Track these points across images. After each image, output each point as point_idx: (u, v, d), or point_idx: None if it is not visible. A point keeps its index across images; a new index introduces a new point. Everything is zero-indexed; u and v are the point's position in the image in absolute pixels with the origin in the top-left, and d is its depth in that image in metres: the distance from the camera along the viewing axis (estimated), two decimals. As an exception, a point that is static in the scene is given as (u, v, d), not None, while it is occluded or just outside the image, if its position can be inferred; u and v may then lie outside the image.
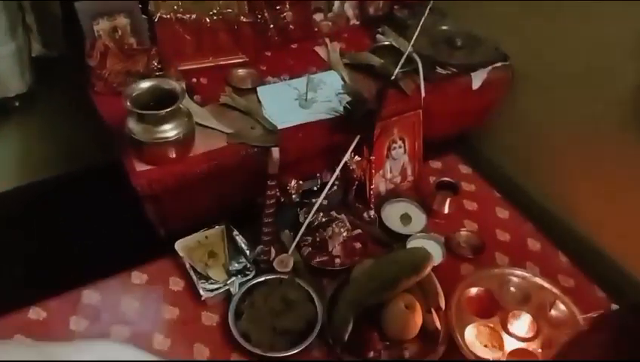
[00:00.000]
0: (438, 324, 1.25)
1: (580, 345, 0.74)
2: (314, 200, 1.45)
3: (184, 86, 1.42)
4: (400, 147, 1.62)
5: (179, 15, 1.59)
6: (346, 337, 1.20)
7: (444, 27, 1.83)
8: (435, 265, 1.31)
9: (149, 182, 1.30)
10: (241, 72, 1.65)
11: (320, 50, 1.79)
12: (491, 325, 1.29)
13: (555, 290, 1.34)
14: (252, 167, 1.39)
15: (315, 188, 1.48)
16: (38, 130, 1.95)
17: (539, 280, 1.37)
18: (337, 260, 1.40)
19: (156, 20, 1.57)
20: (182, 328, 1.26)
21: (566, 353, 0.78)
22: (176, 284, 1.34)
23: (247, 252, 1.38)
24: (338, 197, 1.53)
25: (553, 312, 1.32)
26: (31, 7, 1.65)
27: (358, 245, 1.44)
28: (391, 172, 1.63)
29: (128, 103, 1.27)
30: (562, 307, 1.32)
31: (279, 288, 1.30)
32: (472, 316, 1.30)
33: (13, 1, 1.55)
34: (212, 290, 1.29)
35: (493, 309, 1.32)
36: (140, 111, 1.27)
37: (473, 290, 1.35)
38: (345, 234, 1.44)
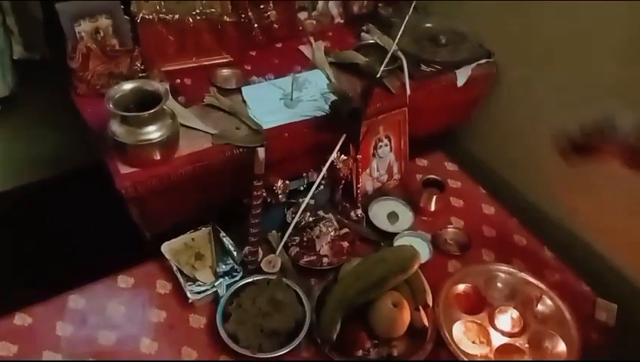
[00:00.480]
0: (425, 321, 1.26)
1: None
2: (301, 199, 1.44)
3: (168, 87, 1.42)
4: (386, 145, 1.62)
5: (161, 15, 1.57)
6: (335, 336, 1.20)
7: (429, 25, 1.84)
8: (422, 262, 1.32)
9: (133, 185, 1.29)
10: (225, 72, 1.64)
11: (305, 49, 1.79)
12: (479, 321, 1.30)
13: (541, 285, 1.36)
14: (238, 168, 1.38)
15: (302, 188, 1.47)
16: (22, 133, 1.93)
17: (525, 276, 1.38)
18: (325, 259, 1.40)
19: (139, 21, 1.56)
20: (169, 331, 1.25)
21: None
22: (163, 287, 1.33)
23: (235, 253, 1.37)
24: (325, 197, 1.53)
25: (539, 307, 1.33)
26: (11, 9, 1.63)
27: (345, 244, 1.44)
28: (378, 170, 1.63)
29: (111, 105, 1.25)
30: (548, 302, 1.33)
31: (267, 289, 1.30)
32: (460, 312, 1.31)
33: (-8, 3, 1.53)
34: (199, 293, 1.29)
35: (480, 305, 1.33)
36: (122, 113, 1.26)
37: (460, 287, 1.36)
38: (332, 233, 1.44)
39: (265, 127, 1.45)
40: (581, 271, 1.45)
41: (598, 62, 1.47)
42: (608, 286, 1.47)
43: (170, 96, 1.37)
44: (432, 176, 1.60)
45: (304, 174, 1.48)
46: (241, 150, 1.40)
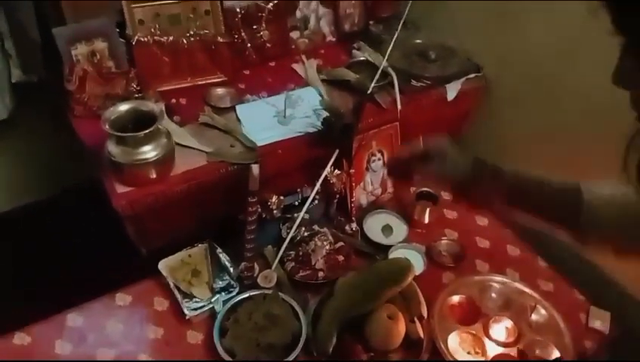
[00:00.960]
0: (421, 333, 1.26)
1: None
2: (295, 214, 1.46)
3: (163, 107, 1.44)
4: (379, 159, 1.64)
5: (156, 37, 1.61)
6: (331, 349, 1.21)
7: (418, 40, 1.87)
8: (417, 274, 1.33)
9: (129, 203, 1.31)
10: (219, 91, 1.67)
11: (297, 67, 1.82)
12: (474, 332, 1.30)
13: (535, 295, 1.37)
14: (233, 185, 1.40)
15: (297, 203, 1.49)
16: (20, 154, 1.95)
17: (519, 286, 1.39)
18: (321, 274, 1.41)
19: (134, 43, 1.59)
20: (166, 348, 1.26)
21: None
22: (161, 304, 1.34)
23: (231, 269, 1.38)
24: (320, 211, 1.54)
25: (534, 316, 1.34)
26: (10, 33, 1.66)
27: (340, 258, 1.45)
28: (371, 184, 1.65)
29: (107, 126, 1.28)
30: (543, 311, 1.34)
31: (263, 304, 1.31)
32: (455, 323, 1.31)
33: (-10, 28, 1.56)
34: (196, 309, 1.30)
35: (475, 316, 1.33)
36: (118, 134, 1.28)
37: (455, 298, 1.37)
38: (327, 247, 1.45)
39: (259, 144, 1.47)
40: (574, 280, 1.47)
41: (587, 75, 1.50)
42: (602, 294, 1.48)
43: (166, 116, 1.40)
44: (426, 189, 1.62)
45: (298, 189, 1.49)
46: (235, 167, 1.42)
